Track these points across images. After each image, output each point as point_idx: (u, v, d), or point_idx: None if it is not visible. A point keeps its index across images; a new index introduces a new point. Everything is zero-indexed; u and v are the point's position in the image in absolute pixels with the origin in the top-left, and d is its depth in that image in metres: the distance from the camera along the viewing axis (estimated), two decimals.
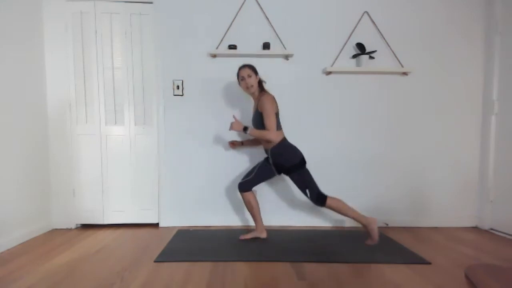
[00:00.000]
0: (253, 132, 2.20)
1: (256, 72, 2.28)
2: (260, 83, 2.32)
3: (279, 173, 2.30)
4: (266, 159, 2.35)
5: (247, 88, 2.27)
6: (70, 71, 2.65)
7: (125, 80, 2.69)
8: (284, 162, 2.21)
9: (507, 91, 2.57)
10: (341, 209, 2.20)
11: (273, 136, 2.16)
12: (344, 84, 2.72)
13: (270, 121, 2.14)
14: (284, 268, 1.86)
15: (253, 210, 2.35)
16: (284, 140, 2.25)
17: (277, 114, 2.22)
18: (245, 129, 2.19)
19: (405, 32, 2.71)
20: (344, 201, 2.23)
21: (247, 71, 2.24)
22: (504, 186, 2.58)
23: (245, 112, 2.69)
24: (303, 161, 2.21)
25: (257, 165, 2.41)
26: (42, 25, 2.59)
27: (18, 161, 2.32)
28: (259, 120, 2.21)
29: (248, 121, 2.69)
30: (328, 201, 2.17)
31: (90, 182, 2.71)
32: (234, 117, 2.29)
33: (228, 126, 2.68)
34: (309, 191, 2.18)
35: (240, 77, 2.28)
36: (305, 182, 2.19)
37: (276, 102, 2.23)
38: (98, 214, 2.73)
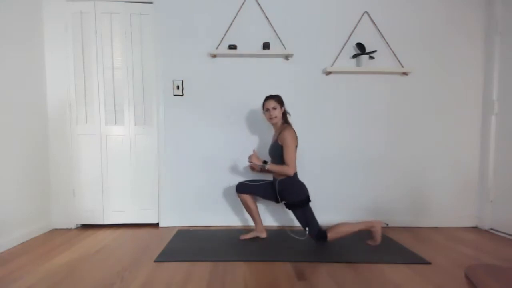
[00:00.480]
0: (272, 167, 2.18)
1: (281, 104, 2.25)
2: (285, 114, 2.29)
3: (278, 202, 2.29)
4: (272, 183, 2.34)
5: (270, 119, 2.25)
6: (70, 71, 2.65)
7: (125, 80, 2.69)
8: (290, 197, 2.20)
9: (507, 91, 2.57)
10: (346, 233, 2.17)
11: (292, 172, 2.14)
12: (344, 84, 2.72)
13: (291, 156, 2.13)
14: (284, 268, 1.86)
15: (252, 211, 2.35)
16: (296, 175, 2.23)
17: (295, 148, 2.20)
18: (265, 163, 2.17)
19: (405, 32, 2.71)
20: (342, 223, 2.22)
21: (272, 103, 2.22)
22: (504, 186, 2.58)
23: (246, 113, 2.70)
24: (308, 199, 2.20)
25: (265, 180, 2.38)
26: (42, 25, 2.59)
27: (18, 161, 2.32)
28: (277, 152, 2.20)
29: (250, 123, 2.71)
30: (329, 235, 2.15)
31: (90, 182, 2.71)
32: (254, 151, 2.28)
33: (229, 127, 2.71)
34: (309, 228, 2.18)
35: (264, 108, 2.26)
36: (307, 219, 2.18)
37: (297, 136, 2.21)
38: (98, 214, 2.73)
